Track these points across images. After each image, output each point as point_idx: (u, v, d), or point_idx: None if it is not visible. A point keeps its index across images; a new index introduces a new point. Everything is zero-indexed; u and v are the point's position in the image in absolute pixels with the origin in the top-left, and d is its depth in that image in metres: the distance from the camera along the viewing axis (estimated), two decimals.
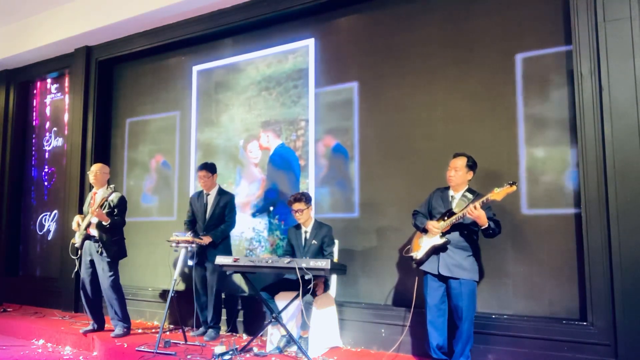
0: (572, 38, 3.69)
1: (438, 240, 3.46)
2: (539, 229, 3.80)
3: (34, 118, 7.43)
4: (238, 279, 5.10)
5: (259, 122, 5.34)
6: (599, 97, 3.53)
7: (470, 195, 3.49)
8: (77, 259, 4.74)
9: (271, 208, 5.15)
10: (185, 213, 5.00)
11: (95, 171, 4.71)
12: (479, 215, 3.26)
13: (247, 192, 5.34)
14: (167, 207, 5.94)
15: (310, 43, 5.08)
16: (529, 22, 3.97)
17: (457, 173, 3.51)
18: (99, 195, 4.66)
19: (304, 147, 5.00)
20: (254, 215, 5.26)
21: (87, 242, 4.65)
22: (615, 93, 3.47)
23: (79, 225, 4.63)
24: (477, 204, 3.27)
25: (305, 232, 4.27)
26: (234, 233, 5.17)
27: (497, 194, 3.26)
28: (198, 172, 4.73)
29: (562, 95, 3.81)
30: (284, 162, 5.14)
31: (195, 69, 5.87)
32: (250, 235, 5.24)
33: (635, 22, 3.45)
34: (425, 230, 3.59)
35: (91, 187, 4.87)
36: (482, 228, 3.33)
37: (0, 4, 6.47)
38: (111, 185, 4.60)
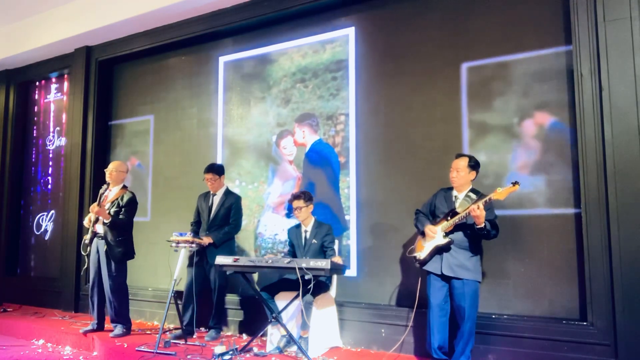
0: (572, 38, 3.69)
1: (441, 240, 3.46)
2: (539, 229, 3.80)
3: (35, 118, 7.43)
4: (239, 279, 5.09)
5: (293, 116, 5.08)
6: (599, 97, 3.53)
7: (473, 196, 3.49)
8: (87, 256, 4.72)
9: None
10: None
11: (111, 170, 4.68)
12: (479, 215, 3.26)
13: (280, 191, 5.08)
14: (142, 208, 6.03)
15: (350, 32, 4.81)
16: (529, 22, 3.97)
17: (459, 174, 3.52)
18: (112, 193, 4.67)
19: (344, 143, 4.76)
20: (288, 215, 4.99)
21: (95, 240, 4.64)
22: (615, 93, 3.47)
23: (90, 221, 4.62)
24: (480, 203, 3.28)
25: (306, 231, 4.27)
26: (267, 235, 5.09)
27: (500, 193, 3.28)
28: (205, 175, 4.67)
29: (561, 95, 3.81)
30: (321, 159, 4.88)
31: (222, 59, 5.64)
32: (285, 238, 4.89)
33: (635, 22, 3.46)
34: (423, 234, 3.59)
35: (94, 185, 4.85)
36: (477, 227, 3.33)
37: (0, 4, 6.47)
38: (108, 184, 4.60)
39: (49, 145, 7.15)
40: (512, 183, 3.27)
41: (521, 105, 3.97)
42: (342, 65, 4.84)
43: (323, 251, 4.17)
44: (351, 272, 4.57)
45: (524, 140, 3.94)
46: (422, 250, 3.59)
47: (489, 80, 4.12)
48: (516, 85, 4.00)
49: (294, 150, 5.06)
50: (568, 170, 3.76)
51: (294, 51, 5.15)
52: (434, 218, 3.65)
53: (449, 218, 3.46)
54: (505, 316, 3.80)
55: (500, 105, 4.06)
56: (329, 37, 4.93)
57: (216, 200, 4.72)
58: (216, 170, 4.70)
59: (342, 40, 4.85)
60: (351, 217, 4.65)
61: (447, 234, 3.45)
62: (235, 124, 5.50)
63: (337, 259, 3.96)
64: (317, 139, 4.93)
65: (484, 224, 3.30)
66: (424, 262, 3.58)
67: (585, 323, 3.48)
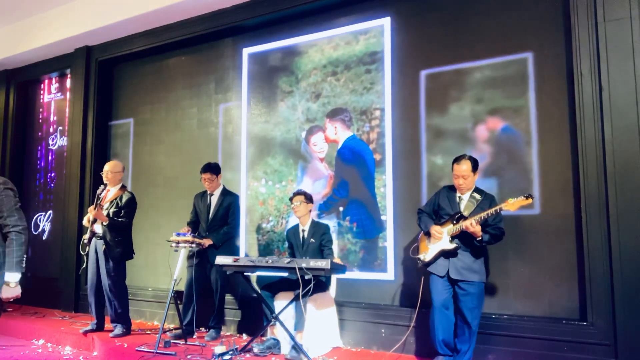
0: (572, 38, 3.69)
1: (448, 245, 3.44)
2: (539, 229, 3.80)
3: (34, 118, 7.42)
4: (239, 279, 5.09)
5: (324, 111, 4.86)
6: (599, 97, 3.53)
7: (478, 196, 3.48)
8: (85, 255, 4.71)
9: (341, 208, 4.67)
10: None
11: (107, 171, 4.67)
12: (474, 231, 3.28)
13: (311, 190, 4.75)
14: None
15: (385, 22, 4.58)
16: (529, 22, 3.97)
17: (467, 180, 3.46)
18: (110, 193, 4.67)
19: (380, 140, 4.54)
20: (319, 216, 4.77)
21: (94, 240, 4.64)
22: (615, 93, 3.47)
23: (89, 221, 4.62)
24: (474, 221, 3.26)
25: (303, 230, 4.29)
26: None
27: (512, 204, 3.26)
28: (202, 175, 4.67)
29: (561, 95, 3.80)
30: (355, 156, 4.65)
31: (246, 51, 5.41)
32: None
33: (635, 22, 3.46)
34: (428, 234, 3.59)
35: (94, 185, 4.84)
36: (476, 240, 3.35)
37: (0, 4, 6.47)
38: (106, 185, 4.62)
39: (52, 145, 7.14)
40: (524, 196, 3.24)
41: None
42: (376, 58, 4.61)
43: (321, 250, 4.17)
44: (388, 275, 4.39)
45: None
46: (427, 251, 3.58)
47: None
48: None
49: (325, 147, 4.84)
50: (520, 172, 3.83)
51: (324, 42, 4.92)
52: (437, 218, 3.64)
53: (454, 222, 3.44)
54: (505, 316, 3.80)
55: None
56: (362, 27, 4.71)
57: (214, 200, 4.72)
58: (213, 169, 4.69)
59: (377, 31, 4.62)
60: (388, 218, 4.43)
61: (452, 238, 3.44)
62: (261, 120, 5.27)
63: (336, 260, 3.96)
64: (350, 135, 4.71)
65: (481, 237, 3.31)
66: (428, 263, 3.57)
67: (585, 323, 3.48)
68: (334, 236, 4.60)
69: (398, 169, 4.46)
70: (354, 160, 4.67)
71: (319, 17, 4.98)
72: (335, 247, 4.45)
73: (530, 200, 3.24)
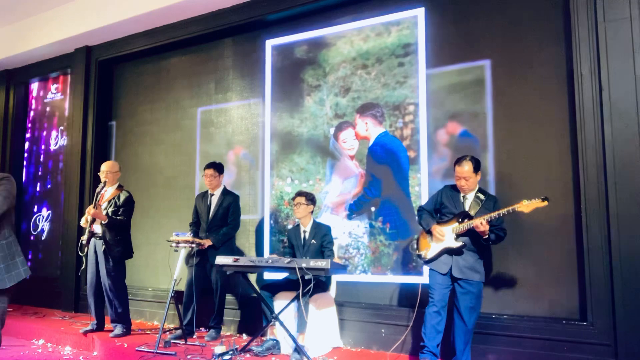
0: (572, 38, 3.69)
1: (454, 244, 3.44)
2: (539, 229, 3.80)
3: (34, 118, 7.42)
4: (239, 279, 5.09)
5: (354, 106, 4.65)
6: (599, 97, 3.53)
7: (482, 197, 3.47)
8: (84, 256, 4.72)
9: (373, 208, 4.48)
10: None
11: (105, 171, 4.67)
12: (483, 230, 3.28)
13: (340, 189, 4.63)
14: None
15: (419, 13, 4.39)
16: (529, 21, 3.97)
17: (469, 182, 3.45)
18: (107, 193, 4.67)
19: (414, 136, 4.34)
20: (350, 217, 4.58)
21: (93, 240, 4.64)
22: (615, 93, 3.47)
23: (87, 221, 4.62)
24: (484, 220, 3.25)
25: (304, 231, 4.28)
26: None
27: (526, 206, 3.23)
28: (205, 171, 4.70)
29: (561, 95, 3.80)
30: (387, 153, 4.45)
31: (270, 43, 5.20)
32: (346, 242, 4.53)
33: (635, 22, 3.46)
34: (430, 232, 3.58)
35: (94, 185, 4.85)
36: (483, 239, 3.36)
37: (0, 4, 6.47)
38: (105, 183, 4.62)
39: (53, 144, 7.14)
40: (541, 198, 3.22)
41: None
42: (410, 50, 4.41)
43: (321, 251, 4.17)
44: (424, 278, 4.09)
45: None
46: (429, 249, 3.58)
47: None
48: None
49: (356, 144, 4.62)
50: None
51: (353, 34, 4.71)
52: (440, 217, 3.63)
53: (460, 220, 3.43)
54: (505, 316, 3.80)
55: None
56: (394, 18, 4.51)
57: (214, 200, 4.72)
58: (217, 167, 4.72)
59: (410, 22, 4.43)
60: None
61: (458, 237, 3.44)
62: (286, 115, 5.06)
63: (337, 260, 3.96)
64: (382, 131, 4.50)
65: (488, 235, 3.32)
66: (429, 260, 3.57)
67: (585, 323, 3.49)
68: (365, 237, 4.52)
69: (434, 166, 4.26)
70: (386, 158, 4.47)
71: (347, 7, 4.80)
72: (367, 249, 4.43)
73: (546, 203, 3.19)
